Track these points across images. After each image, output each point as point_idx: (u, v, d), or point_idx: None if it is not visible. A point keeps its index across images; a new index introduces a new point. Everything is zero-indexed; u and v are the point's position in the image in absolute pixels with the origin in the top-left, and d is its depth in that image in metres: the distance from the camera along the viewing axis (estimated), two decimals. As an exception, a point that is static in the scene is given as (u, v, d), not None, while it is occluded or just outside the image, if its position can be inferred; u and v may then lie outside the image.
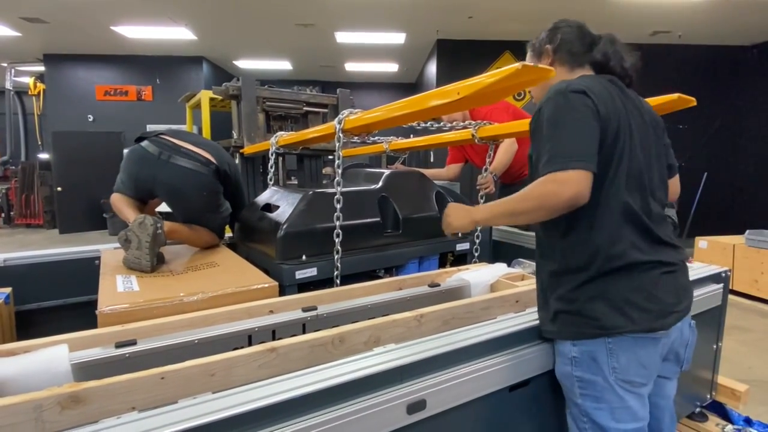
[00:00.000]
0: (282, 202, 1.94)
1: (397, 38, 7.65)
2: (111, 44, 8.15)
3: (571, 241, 1.10)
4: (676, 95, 1.40)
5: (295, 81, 10.28)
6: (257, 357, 1.06)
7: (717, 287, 1.77)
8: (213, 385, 0.99)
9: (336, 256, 1.71)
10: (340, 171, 1.68)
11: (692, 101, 1.40)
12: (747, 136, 7.37)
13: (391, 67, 10.03)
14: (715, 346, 1.88)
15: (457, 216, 1.30)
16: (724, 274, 1.82)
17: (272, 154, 2.36)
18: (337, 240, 1.70)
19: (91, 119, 9.15)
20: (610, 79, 1.16)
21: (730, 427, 1.82)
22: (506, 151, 2.77)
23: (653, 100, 1.41)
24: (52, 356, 1.02)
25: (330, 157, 2.92)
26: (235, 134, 3.22)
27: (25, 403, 0.81)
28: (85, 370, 1.05)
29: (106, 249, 2.01)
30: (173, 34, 7.53)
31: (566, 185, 0.97)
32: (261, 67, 10.02)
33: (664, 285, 1.09)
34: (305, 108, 3.15)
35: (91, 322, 1.27)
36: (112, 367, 1.07)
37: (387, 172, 2.14)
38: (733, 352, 3.14)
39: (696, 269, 1.78)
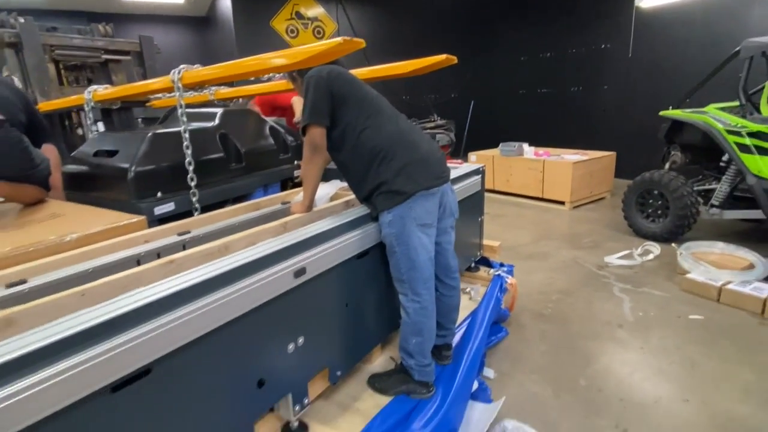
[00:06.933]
0: (119, 147, 1.96)
1: (182, -34, 6.94)
2: None
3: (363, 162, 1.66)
4: (444, 56, 1.99)
5: (50, 12, 8.37)
6: (160, 269, 1.27)
7: (477, 177, 2.57)
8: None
9: (194, 198, 1.88)
10: (185, 119, 1.81)
11: (453, 60, 2.01)
12: (495, 72, 9.24)
13: (176, -1, 9.01)
14: (480, 219, 2.73)
15: (297, 209, 1.77)
16: (481, 169, 2.64)
17: (90, 111, 2.23)
18: (192, 183, 1.85)
19: None
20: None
21: (492, 270, 2.73)
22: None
23: (426, 60, 1.99)
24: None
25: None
26: (20, 88, 2.78)
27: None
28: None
29: None
30: None
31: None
32: (-5, -8, 7.81)
33: (435, 161, 1.72)
34: (104, 56, 2.91)
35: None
36: (9, 306, 1.14)
37: (221, 110, 2.30)
38: (493, 230, 4.38)
39: (465, 167, 2.54)
